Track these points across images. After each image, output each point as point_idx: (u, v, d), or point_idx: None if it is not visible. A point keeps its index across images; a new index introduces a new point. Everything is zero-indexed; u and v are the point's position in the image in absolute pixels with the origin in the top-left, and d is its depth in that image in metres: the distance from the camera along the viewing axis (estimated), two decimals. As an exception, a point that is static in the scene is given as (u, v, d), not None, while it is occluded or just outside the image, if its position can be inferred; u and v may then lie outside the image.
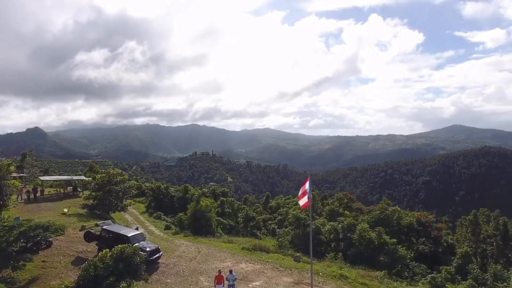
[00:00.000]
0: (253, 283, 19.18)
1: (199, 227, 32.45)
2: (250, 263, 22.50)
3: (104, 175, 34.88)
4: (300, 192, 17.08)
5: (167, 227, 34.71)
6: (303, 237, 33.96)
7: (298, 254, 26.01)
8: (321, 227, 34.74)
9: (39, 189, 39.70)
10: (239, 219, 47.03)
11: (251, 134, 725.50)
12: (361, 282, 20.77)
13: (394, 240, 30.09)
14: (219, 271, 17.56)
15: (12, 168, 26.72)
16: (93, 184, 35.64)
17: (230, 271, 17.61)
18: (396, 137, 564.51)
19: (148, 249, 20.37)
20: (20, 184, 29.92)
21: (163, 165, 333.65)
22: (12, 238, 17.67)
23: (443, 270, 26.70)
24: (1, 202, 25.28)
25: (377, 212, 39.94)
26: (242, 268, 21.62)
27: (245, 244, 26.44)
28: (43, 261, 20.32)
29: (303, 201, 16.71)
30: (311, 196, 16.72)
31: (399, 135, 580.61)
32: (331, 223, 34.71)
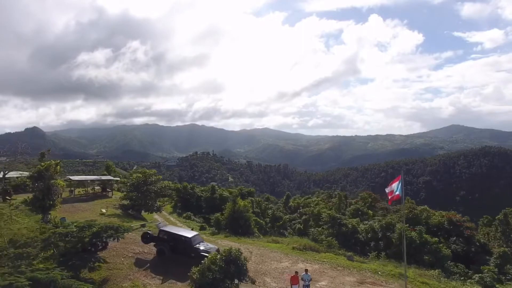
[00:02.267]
0: (319, 283, 19.30)
1: (237, 227, 32.50)
2: (307, 263, 22.63)
3: (140, 175, 34.84)
4: (389, 190, 17.26)
5: (202, 228, 34.69)
6: (340, 236, 34.19)
7: (350, 253, 26.16)
8: (357, 226, 34.96)
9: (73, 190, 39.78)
10: (266, 219, 47.11)
11: (250, 134, 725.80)
12: (421, 281, 20.88)
13: (436, 239, 30.37)
14: (296, 272, 17.64)
15: (59, 168, 26.63)
16: (129, 184, 35.57)
17: (306, 271, 17.75)
18: (395, 137, 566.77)
19: (212, 250, 20.38)
20: (64, 184, 29.80)
21: (163, 165, 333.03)
22: (87, 238, 17.61)
23: (486, 270, 26.95)
24: (50, 202, 25.19)
25: (406, 211, 40.11)
26: (302, 268, 21.64)
27: (293, 243, 26.51)
28: (106, 263, 20.28)
29: (391, 195, 16.96)
30: (402, 193, 16.92)
31: (397, 135, 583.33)
32: (368, 222, 34.93)
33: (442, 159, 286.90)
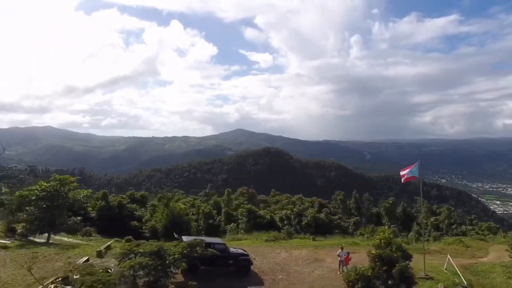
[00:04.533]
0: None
1: (178, 232, 30.71)
2: (297, 249, 25.68)
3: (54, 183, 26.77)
4: (407, 173, 22.35)
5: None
6: (258, 226, 38.24)
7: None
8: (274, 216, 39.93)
9: None
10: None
11: (25, 133, 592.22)
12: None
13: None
14: (348, 253, 20.52)
15: None
16: (33, 198, 26.25)
17: (341, 248, 21.04)
18: (190, 138, 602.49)
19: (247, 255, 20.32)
20: None
21: None
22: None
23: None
24: None
25: (286, 201, 48.65)
26: (302, 253, 24.70)
27: (263, 237, 28.48)
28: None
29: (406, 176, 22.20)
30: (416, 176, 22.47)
31: (192, 136, 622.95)
32: (284, 211, 40.41)
33: (236, 159, 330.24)
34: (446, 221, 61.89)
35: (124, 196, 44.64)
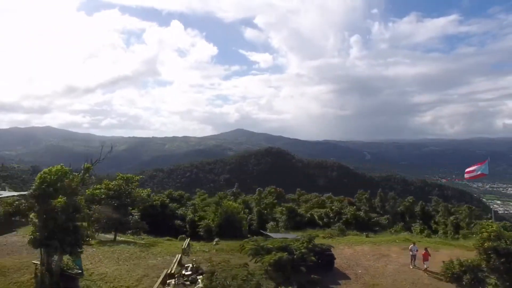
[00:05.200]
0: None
1: (231, 231, 31.40)
2: (356, 245, 26.43)
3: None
4: (473, 170, 23.14)
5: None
6: (297, 224, 39.06)
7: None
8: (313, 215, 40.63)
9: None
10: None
11: (25, 133, 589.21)
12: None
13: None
14: (425, 248, 21.25)
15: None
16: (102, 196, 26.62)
17: (414, 244, 21.80)
18: (190, 138, 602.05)
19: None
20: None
21: None
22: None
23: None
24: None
25: (315, 200, 49.51)
26: (363, 249, 25.44)
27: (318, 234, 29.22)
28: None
29: (471, 174, 23.02)
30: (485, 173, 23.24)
31: (192, 136, 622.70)
32: (323, 210, 41.13)
33: (238, 159, 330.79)
34: (467, 219, 62.71)
35: (163, 196, 45.12)
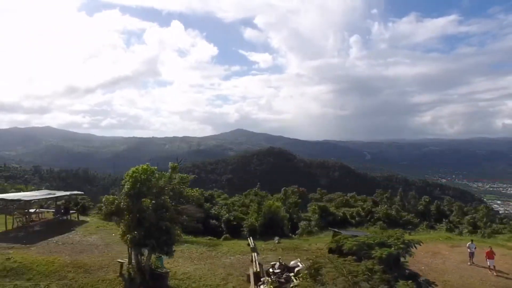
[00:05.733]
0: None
1: (274, 230, 31.74)
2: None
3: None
4: None
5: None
6: (330, 224, 39.55)
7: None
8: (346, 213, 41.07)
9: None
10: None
11: (25, 133, 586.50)
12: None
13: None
14: (490, 247, 21.65)
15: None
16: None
17: (471, 241, 22.25)
18: (190, 138, 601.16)
19: None
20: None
21: None
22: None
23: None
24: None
25: (340, 199, 49.85)
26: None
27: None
28: None
29: None
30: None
31: (193, 137, 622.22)
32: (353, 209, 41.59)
33: (240, 159, 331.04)
34: (484, 219, 63.36)
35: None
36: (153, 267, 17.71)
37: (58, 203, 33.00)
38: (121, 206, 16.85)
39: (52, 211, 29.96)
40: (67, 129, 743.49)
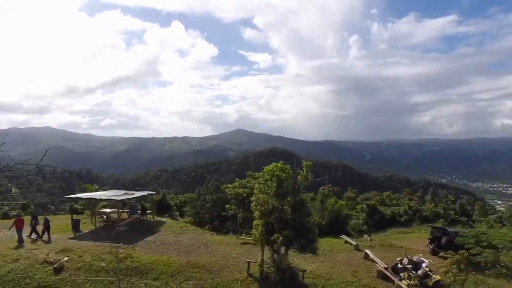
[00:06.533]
0: None
1: (339, 228, 32.29)
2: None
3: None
4: None
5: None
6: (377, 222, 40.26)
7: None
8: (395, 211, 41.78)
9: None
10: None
11: (25, 134, 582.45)
12: None
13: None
14: None
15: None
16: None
17: None
18: (190, 138, 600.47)
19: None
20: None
21: None
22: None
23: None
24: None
25: (376, 198, 50.41)
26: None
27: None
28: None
29: None
30: None
31: (192, 137, 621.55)
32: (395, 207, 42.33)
33: (242, 159, 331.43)
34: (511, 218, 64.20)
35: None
36: (288, 266, 17.87)
37: (131, 203, 32.49)
38: (270, 206, 16.92)
39: (127, 211, 30.13)
40: (66, 129, 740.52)
